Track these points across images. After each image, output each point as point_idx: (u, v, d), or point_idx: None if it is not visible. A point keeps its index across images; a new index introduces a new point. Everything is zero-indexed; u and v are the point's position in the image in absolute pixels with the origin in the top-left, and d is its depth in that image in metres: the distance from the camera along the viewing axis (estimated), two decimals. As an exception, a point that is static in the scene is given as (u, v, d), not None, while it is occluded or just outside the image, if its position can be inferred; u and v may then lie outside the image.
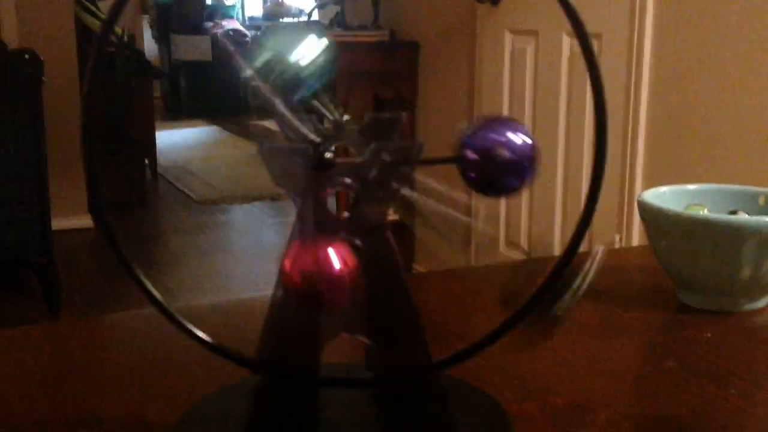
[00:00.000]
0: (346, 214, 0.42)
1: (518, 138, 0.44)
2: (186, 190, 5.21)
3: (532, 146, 0.44)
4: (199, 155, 6.33)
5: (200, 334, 0.47)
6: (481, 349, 0.46)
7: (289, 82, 0.43)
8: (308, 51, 0.43)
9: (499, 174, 0.43)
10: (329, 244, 0.39)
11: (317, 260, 0.38)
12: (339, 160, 0.41)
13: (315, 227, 0.41)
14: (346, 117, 0.44)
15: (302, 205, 0.42)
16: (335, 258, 0.39)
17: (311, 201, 0.41)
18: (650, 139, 2.32)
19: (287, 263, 0.39)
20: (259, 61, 0.42)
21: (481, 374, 0.59)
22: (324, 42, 0.44)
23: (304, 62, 0.43)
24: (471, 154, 0.43)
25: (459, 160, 0.43)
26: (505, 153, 0.43)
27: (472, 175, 0.43)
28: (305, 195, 0.41)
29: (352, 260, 0.39)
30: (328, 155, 0.40)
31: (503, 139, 0.43)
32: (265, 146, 0.40)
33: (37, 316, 3.14)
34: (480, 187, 0.44)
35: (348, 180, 0.42)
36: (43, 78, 3.02)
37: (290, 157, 0.41)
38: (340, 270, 0.39)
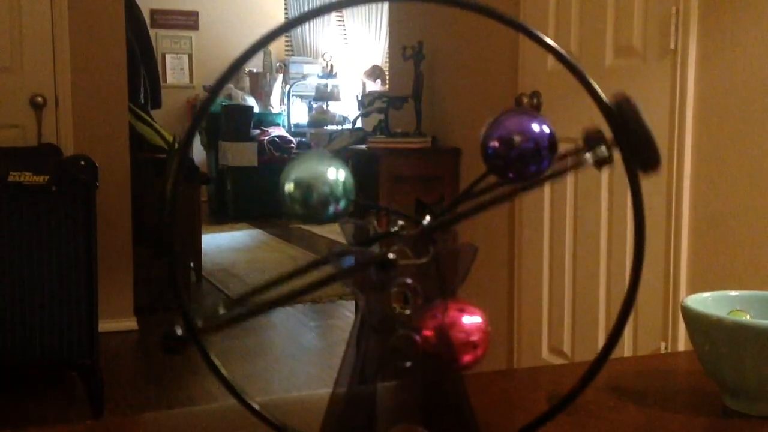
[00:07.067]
0: (407, 311, 0.45)
1: (536, 127, 0.47)
2: (229, 293, 5.27)
3: (550, 134, 0.48)
4: (243, 258, 6.42)
5: (273, 420, 0.49)
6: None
7: (326, 197, 0.47)
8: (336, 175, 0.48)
9: (519, 160, 0.47)
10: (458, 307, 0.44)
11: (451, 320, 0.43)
12: (402, 261, 0.45)
13: (379, 323, 0.44)
14: (400, 223, 0.48)
15: (367, 302, 0.45)
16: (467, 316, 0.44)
17: (376, 298, 0.44)
18: (694, 246, 2.32)
19: (424, 330, 0.44)
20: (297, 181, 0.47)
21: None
22: (343, 172, 0.49)
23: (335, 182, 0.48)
24: (492, 143, 0.47)
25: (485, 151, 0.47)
26: (521, 140, 0.47)
27: (495, 162, 0.47)
28: (370, 293, 0.44)
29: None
30: (391, 255, 0.44)
31: (520, 128, 0.47)
32: (335, 249, 0.44)
33: (80, 418, 3.15)
34: (501, 173, 0.47)
35: (409, 280, 0.45)
36: (97, 183, 3.13)
37: (358, 259, 0.44)
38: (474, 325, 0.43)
